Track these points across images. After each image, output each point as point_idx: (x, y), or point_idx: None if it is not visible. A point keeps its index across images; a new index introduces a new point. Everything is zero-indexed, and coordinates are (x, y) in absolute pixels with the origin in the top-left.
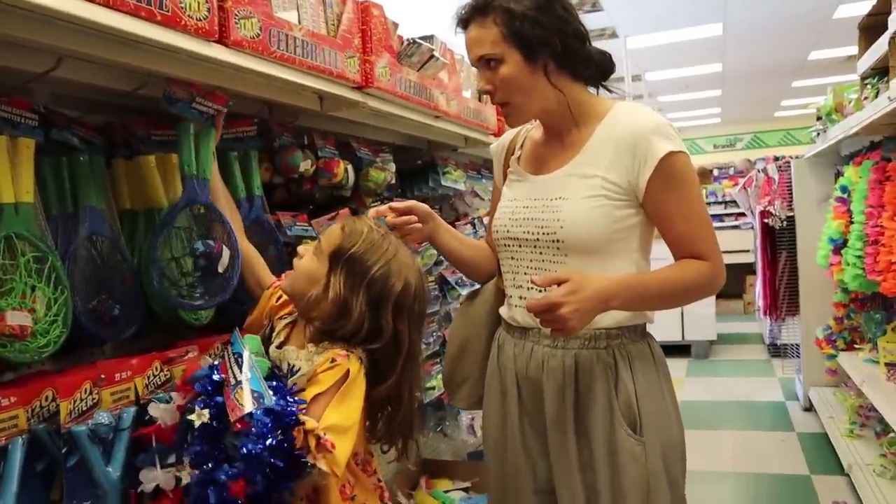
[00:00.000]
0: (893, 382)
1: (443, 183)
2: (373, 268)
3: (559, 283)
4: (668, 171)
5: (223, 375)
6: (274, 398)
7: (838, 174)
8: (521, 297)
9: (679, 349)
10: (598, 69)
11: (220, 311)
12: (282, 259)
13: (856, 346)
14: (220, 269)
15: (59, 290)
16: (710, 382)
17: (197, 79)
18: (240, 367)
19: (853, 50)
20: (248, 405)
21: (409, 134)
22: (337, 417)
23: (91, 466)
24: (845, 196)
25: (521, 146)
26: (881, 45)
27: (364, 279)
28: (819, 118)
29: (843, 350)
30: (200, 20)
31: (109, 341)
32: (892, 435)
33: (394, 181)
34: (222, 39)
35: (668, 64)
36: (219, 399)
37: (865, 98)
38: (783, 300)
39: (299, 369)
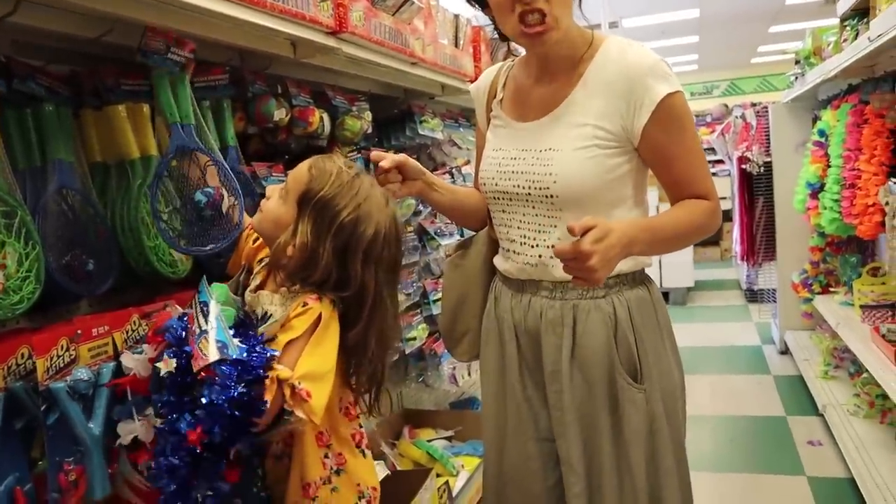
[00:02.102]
0: (868, 324)
1: (420, 132)
2: (342, 213)
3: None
4: (667, 114)
5: (190, 325)
6: (240, 348)
7: (816, 118)
8: (515, 252)
9: None
10: None
11: (198, 264)
12: None
13: (831, 289)
14: (224, 210)
15: (30, 246)
16: (688, 328)
17: (164, 24)
18: (206, 317)
19: None
20: (213, 355)
21: (386, 82)
22: (311, 364)
23: (72, 423)
24: (823, 140)
25: (504, 87)
26: None
27: (332, 226)
28: (797, 62)
29: (818, 293)
30: None
31: (84, 296)
32: (865, 375)
33: (370, 130)
34: None
35: (645, 9)
36: (188, 349)
37: (845, 40)
38: (760, 246)
39: (271, 315)
